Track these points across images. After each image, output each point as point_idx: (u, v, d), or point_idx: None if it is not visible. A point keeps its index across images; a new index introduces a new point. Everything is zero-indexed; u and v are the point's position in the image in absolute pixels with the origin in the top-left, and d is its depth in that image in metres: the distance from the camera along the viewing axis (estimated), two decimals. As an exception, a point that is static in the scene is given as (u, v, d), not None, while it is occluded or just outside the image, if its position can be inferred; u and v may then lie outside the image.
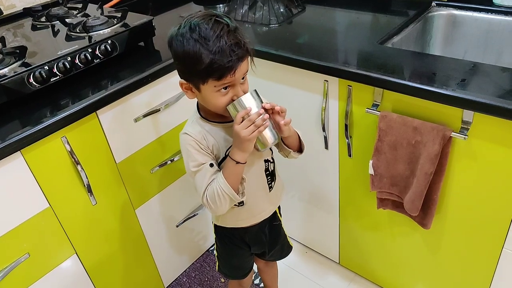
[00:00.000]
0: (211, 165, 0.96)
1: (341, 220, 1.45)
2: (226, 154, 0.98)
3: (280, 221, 1.23)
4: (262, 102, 0.90)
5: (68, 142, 1.08)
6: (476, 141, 0.97)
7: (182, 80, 0.92)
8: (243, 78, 0.90)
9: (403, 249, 1.31)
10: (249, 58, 0.90)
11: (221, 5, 1.77)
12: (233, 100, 0.89)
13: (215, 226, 1.17)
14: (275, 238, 1.22)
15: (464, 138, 0.95)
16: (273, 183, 1.10)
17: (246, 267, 1.26)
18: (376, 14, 1.43)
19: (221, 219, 1.11)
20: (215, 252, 1.25)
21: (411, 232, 1.24)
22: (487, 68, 1.00)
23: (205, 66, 0.83)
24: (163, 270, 1.54)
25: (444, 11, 1.39)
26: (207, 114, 0.98)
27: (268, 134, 0.91)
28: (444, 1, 1.40)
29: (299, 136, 1.05)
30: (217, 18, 0.85)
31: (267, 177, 1.08)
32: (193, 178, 0.97)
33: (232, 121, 0.91)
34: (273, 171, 1.10)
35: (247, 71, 0.90)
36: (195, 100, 0.99)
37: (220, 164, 0.99)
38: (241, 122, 0.87)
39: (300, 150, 1.07)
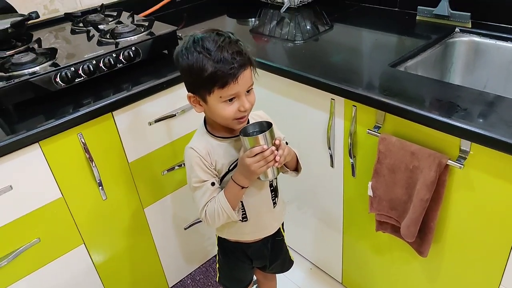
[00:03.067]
0: (213, 184, 0.99)
1: (345, 240, 1.44)
2: (229, 169, 1.01)
3: (283, 236, 1.24)
4: (274, 138, 0.93)
5: (83, 139, 1.17)
6: (473, 172, 0.95)
7: (190, 94, 0.96)
8: (248, 91, 0.94)
9: (402, 275, 1.29)
10: (252, 69, 0.93)
11: (252, 19, 1.83)
12: (240, 111, 0.92)
13: (219, 238, 1.20)
14: (277, 253, 1.24)
15: (460, 167, 0.93)
16: (276, 198, 1.12)
17: (247, 279, 1.29)
18: (398, 35, 1.43)
19: (226, 232, 1.13)
20: (216, 263, 1.28)
21: (409, 259, 1.22)
22: (495, 100, 0.98)
23: (209, 75, 0.87)
24: (168, 270, 1.59)
25: (466, 38, 1.37)
26: (213, 128, 1.01)
27: (272, 169, 0.95)
28: (468, 28, 1.38)
29: (297, 158, 1.08)
30: (218, 32, 0.91)
31: (271, 192, 1.10)
32: (193, 192, 1.01)
33: (237, 135, 0.95)
34: (276, 186, 1.12)
35: (252, 83, 0.94)
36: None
37: (222, 178, 1.02)
38: (253, 157, 0.91)
39: (296, 169, 1.09)
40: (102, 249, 1.34)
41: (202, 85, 0.90)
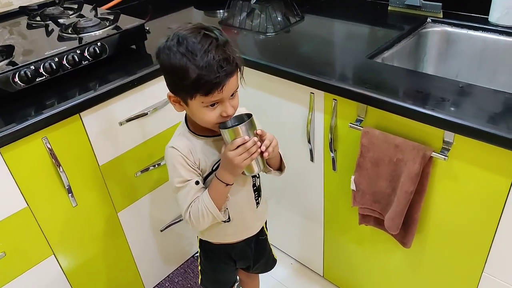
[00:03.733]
0: (197, 182, 0.94)
1: (326, 234, 1.43)
2: (213, 169, 0.97)
3: (266, 235, 1.22)
4: (256, 129, 0.89)
5: (49, 143, 1.08)
6: (457, 163, 0.95)
7: (170, 93, 0.90)
8: (232, 95, 0.88)
9: (385, 266, 1.29)
10: (239, 73, 0.88)
11: (221, 11, 1.78)
12: (222, 116, 0.87)
13: (200, 240, 1.15)
14: (261, 253, 1.21)
15: (444, 158, 0.93)
16: (259, 198, 1.09)
17: (230, 281, 1.25)
18: (371, 26, 1.42)
19: (207, 234, 1.09)
20: (198, 266, 1.23)
21: (393, 250, 1.22)
22: (474, 90, 0.98)
23: (192, 81, 0.81)
24: (145, 274, 1.53)
25: (439, 28, 1.38)
26: (195, 127, 0.96)
27: (257, 162, 0.92)
28: (439, 18, 1.39)
29: (281, 157, 1.04)
30: (206, 32, 0.83)
31: (254, 192, 1.07)
32: (176, 193, 0.96)
33: (220, 134, 0.90)
34: (259, 186, 1.09)
35: (237, 88, 0.89)
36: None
37: (206, 178, 0.98)
38: (235, 149, 0.87)
39: (280, 169, 1.06)
40: (73, 258, 1.26)
41: (183, 89, 0.85)
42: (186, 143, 0.94)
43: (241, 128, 0.86)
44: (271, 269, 1.29)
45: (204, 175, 0.97)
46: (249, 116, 0.90)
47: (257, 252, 1.18)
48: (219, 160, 0.95)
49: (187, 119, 0.97)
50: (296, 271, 1.64)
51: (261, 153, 0.90)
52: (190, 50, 0.81)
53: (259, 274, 1.42)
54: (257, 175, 1.06)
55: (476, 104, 0.93)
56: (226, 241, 1.10)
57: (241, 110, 1.01)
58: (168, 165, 0.96)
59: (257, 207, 1.08)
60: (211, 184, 0.94)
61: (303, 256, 1.63)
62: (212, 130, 0.93)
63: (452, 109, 0.91)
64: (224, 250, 1.13)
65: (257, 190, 1.07)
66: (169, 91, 0.90)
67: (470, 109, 0.91)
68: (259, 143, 0.89)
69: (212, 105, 0.86)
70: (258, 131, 0.89)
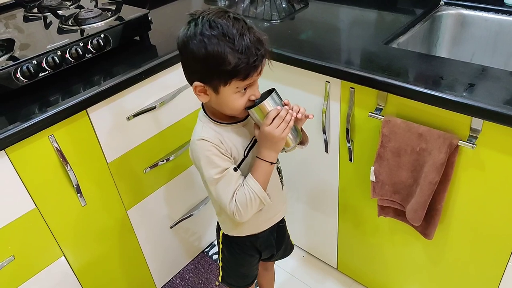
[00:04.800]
0: (235, 169, 0.91)
1: (340, 225, 1.40)
2: (245, 155, 0.94)
3: (285, 221, 1.19)
4: (282, 100, 0.89)
5: (56, 141, 1.03)
6: (484, 151, 0.92)
7: (198, 83, 0.84)
8: None
9: (403, 258, 1.27)
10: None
11: (221, -1, 1.72)
12: (251, 100, 0.86)
13: (224, 237, 1.11)
14: (281, 240, 1.19)
15: (473, 147, 0.90)
16: (282, 180, 1.07)
17: (253, 274, 1.21)
18: (382, 11, 1.37)
19: (239, 228, 1.05)
20: (219, 262, 1.20)
21: (412, 241, 1.20)
22: (497, 73, 0.95)
23: (232, 67, 0.78)
24: (155, 272, 1.50)
25: (453, 11, 1.33)
26: (216, 116, 0.92)
27: (294, 132, 0.91)
28: (453, 0, 1.34)
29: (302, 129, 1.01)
30: (233, 15, 0.80)
31: (278, 174, 1.05)
32: (214, 185, 0.90)
33: (243, 120, 0.91)
34: (280, 167, 1.06)
35: None
36: (193, 98, 0.93)
37: (239, 166, 0.94)
38: (271, 123, 0.85)
39: (302, 142, 1.02)
40: (84, 259, 1.22)
41: (219, 76, 0.81)
42: (213, 133, 0.90)
43: (270, 102, 0.85)
44: (289, 255, 1.27)
45: (237, 163, 0.94)
46: (271, 90, 0.88)
47: (278, 240, 1.16)
48: (249, 144, 0.94)
49: (205, 111, 0.93)
50: (309, 264, 1.62)
51: (295, 121, 0.89)
52: (226, 34, 0.77)
53: (274, 267, 1.40)
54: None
55: (503, 88, 0.89)
56: (256, 231, 1.07)
57: None
58: (201, 159, 0.90)
59: (282, 188, 1.07)
60: (254, 167, 0.91)
61: (316, 249, 1.60)
62: (233, 117, 0.91)
63: (479, 94, 0.88)
64: (249, 242, 1.09)
65: (280, 172, 1.05)
66: (196, 81, 0.84)
67: (498, 94, 0.87)
68: (291, 111, 0.87)
69: (244, 89, 0.84)
70: (285, 101, 0.89)
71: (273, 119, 0.85)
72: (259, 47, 0.80)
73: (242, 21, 0.80)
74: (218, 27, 0.78)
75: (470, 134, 0.92)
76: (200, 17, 0.80)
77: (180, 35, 0.83)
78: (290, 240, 1.26)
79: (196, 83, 0.84)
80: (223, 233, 1.11)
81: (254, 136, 0.93)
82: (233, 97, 0.84)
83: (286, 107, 0.87)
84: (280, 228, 1.16)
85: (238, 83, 0.81)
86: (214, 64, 0.79)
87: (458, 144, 0.92)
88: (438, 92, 0.90)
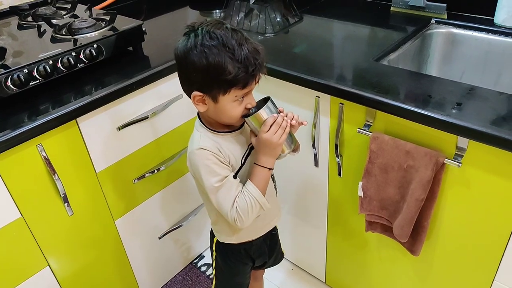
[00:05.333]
0: (234, 177, 0.93)
1: (329, 239, 1.40)
2: (242, 162, 0.96)
3: (277, 229, 1.20)
4: (277, 107, 0.92)
5: (44, 150, 1.03)
6: (470, 169, 0.93)
7: (197, 93, 0.86)
8: None
9: (391, 274, 1.26)
10: None
11: (217, 11, 1.74)
12: (247, 108, 0.89)
13: (218, 245, 1.12)
14: (273, 247, 1.20)
15: (458, 165, 0.91)
16: (276, 186, 1.09)
17: (246, 283, 1.22)
18: (375, 27, 1.39)
19: (238, 235, 1.06)
20: (212, 271, 1.20)
21: (399, 257, 1.20)
22: (484, 93, 0.96)
23: (232, 76, 0.81)
24: (142, 283, 1.48)
25: (444, 29, 1.35)
26: (212, 125, 0.94)
27: (289, 139, 0.94)
28: (443, 19, 1.36)
29: None
30: (231, 27, 0.84)
31: (272, 180, 1.06)
32: (215, 194, 0.91)
33: (238, 128, 0.95)
34: (273, 174, 1.07)
35: None
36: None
37: (236, 174, 0.96)
38: (270, 129, 0.88)
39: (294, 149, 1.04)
40: (69, 269, 1.21)
41: (219, 85, 0.83)
42: (211, 142, 0.92)
43: (266, 110, 0.89)
44: (279, 263, 1.27)
45: (235, 170, 0.95)
46: (266, 99, 0.91)
47: (270, 247, 1.17)
48: (246, 152, 0.96)
49: (201, 120, 0.95)
50: (297, 276, 1.61)
51: (290, 128, 0.93)
52: (226, 44, 0.81)
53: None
54: None
55: (489, 108, 0.90)
56: (254, 237, 1.08)
57: None
58: (200, 168, 0.91)
59: (276, 195, 1.09)
60: (253, 174, 0.93)
61: (304, 261, 1.60)
62: (229, 126, 0.93)
63: (465, 113, 0.88)
64: (244, 249, 1.10)
65: (273, 178, 1.07)
66: (195, 91, 0.86)
67: (483, 114, 0.88)
68: (286, 117, 0.91)
69: (242, 98, 0.87)
70: (280, 108, 0.92)
71: (271, 126, 0.88)
72: (257, 57, 0.83)
73: (239, 32, 0.84)
74: (218, 37, 0.81)
75: (456, 152, 0.92)
76: (199, 29, 0.83)
77: (180, 46, 0.85)
78: (281, 249, 1.26)
79: (195, 92, 0.86)
80: (217, 241, 1.11)
81: (250, 144, 0.96)
82: (231, 105, 0.86)
83: (281, 114, 0.91)
84: (272, 236, 1.17)
85: (237, 92, 0.84)
86: (214, 74, 0.81)
87: (444, 162, 0.93)
88: (425, 110, 0.91)
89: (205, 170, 0.90)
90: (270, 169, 0.93)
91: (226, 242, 1.08)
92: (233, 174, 0.93)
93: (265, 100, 0.91)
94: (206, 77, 0.83)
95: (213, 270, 1.20)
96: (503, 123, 0.85)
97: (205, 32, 0.82)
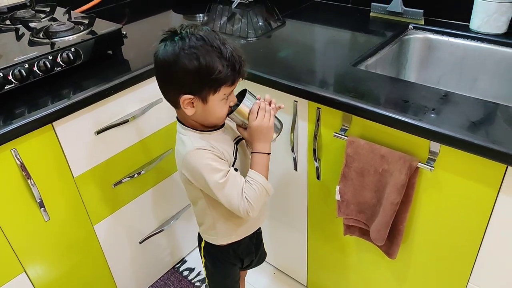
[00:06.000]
0: (236, 169, 0.95)
1: (310, 243, 1.41)
2: (235, 157, 0.98)
3: (261, 228, 1.21)
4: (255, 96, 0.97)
5: (18, 155, 1.02)
6: (442, 173, 0.94)
7: (187, 96, 0.86)
8: None
9: (370, 276, 1.28)
10: None
11: (200, 15, 1.74)
12: (230, 106, 0.92)
13: (208, 250, 1.11)
14: (259, 245, 1.20)
15: (431, 169, 0.92)
16: None
17: (237, 285, 1.22)
18: (354, 32, 1.41)
19: (237, 232, 1.07)
20: (205, 279, 1.20)
21: (378, 260, 1.21)
22: (457, 98, 0.98)
23: (223, 74, 0.84)
24: (123, 288, 1.47)
25: (421, 35, 1.37)
26: (196, 127, 0.95)
27: (276, 121, 0.99)
28: (421, 25, 1.38)
29: None
30: (209, 28, 0.87)
31: None
32: (222, 190, 0.91)
33: (221, 127, 0.97)
34: None
35: None
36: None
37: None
38: (257, 115, 0.93)
39: None
40: (47, 275, 1.20)
41: (210, 85, 0.85)
42: (204, 142, 0.92)
43: (248, 100, 0.94)
44: (262, 263, 1.27)
45: (230, 165, 0.96)
46: (243, 92, 0.95)
47: (256, 246, 1.18)
48: (234, 148, 0.99)
49: (185, 125, 0.95)
50: (279, 281, 1.61)
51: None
52: (212, 44, 0.83)
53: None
54: None
55: (461, 113, 0.92)
56: (250, 232, 1.10)
57: None
58: (201, 168, 0.90)
59: None
60: (253, 162, 0.96)
61: (286, 265, 1.60)
62: (212, 126, 0.96)
63: (438, 119, 0.90)
64: (232, 250, 1.10)
65: None
66: (184, 94, 0.86)
67: (455, 119, 0.90)
68: (266, 102, 0.96)
69: (227, 96, 0.90)
70: (258, 96, 0.97)
71: (257, 113, 0.92)
72: (240, 54, 0.87)
73: (218, 34, 0.87)
74: (203, 38, 0.83)
75: (429, 156, 0.94)
76: (183, 32, 0.84)
77: (167, 51, 0.84)
78: (264, 248, 1.26)
79: (185, 96, 0.86)
80: (205, 246, 1.11)
81: (235, 139, 1.00)
82: (218, 105, 0.89)
83: (262, 99, 0.96)
84: (258, 235, 1.18)
85: (226, 89, 0.87)
86: (206, 74, 0.83)
87: (418, 166, 0.94)
88: (399, 115, 0.92)
89: (207, 169, 0.90)
90: (268, 154, 0.96)
91: (224, 243, 1.08)
92: (234, 167, 0.95)
93: (242, 93, 0.95)
94: (197, 78, 0.84)
95: (205, 278, 1.20)
96: (474, 128, 0.86)
97: (190, 34, 0.84)
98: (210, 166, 0.90)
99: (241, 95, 0.95)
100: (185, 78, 0.85)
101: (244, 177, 0.94)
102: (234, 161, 0.98)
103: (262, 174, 0.95)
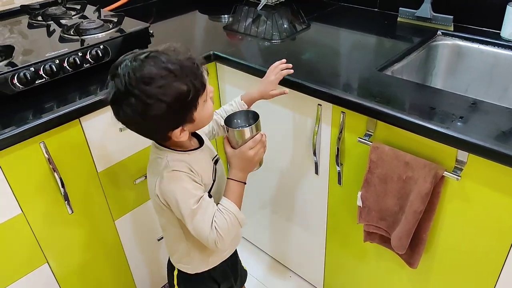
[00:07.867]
0: (209, 196, 0.89)
1: (328, 248, 1.39)
2: (214, 179, 0.94)
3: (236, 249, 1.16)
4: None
5: (46, 148, 1.04)
6: (469, 183, 0.92)
7: (176, 130, 0.83)
8: None
9: (389, 285, 1.25)
10: None
11: (225, 16, 1.75)
12: (211, 97, 0.88)
13: (181, 278, 1.06)
14: (235, 267, 1.15)
15: (457, 178, 0.90)
16: None
17: None
18: (380, 37, 1.39)
19: (212, 259, 1.02)
20: None
21: (397, 269, 1.19)
22: (487, 107, 0.95)
23: (193, 89, 0.79)
24: (140, 284, 1.49)
25: (449, 41, 1.35)
26: (176, 145, 0.90)
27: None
28: (450, 31, 1.36)
29: None
30: (150, 54, 0.80)
31: None
32: (192, 218, 0.85)
33: (201, 145, 0.93)
34: None
35: None
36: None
37: (210, 191, 0.93)
38: (256, 146, 0.91)
39: None
40: (67, 267, 1.22)
41: (188, 107, 0.81)
42: (182, 163, 0.87)
43: (257, 128, 0.91)
44: (245, 282, 1.23)
45: (208, 188, 0.93)
46: (253, 114, 0.95)
47: (233, 268, 1.13)
48: (213, 168, 0.95)
49: (163, 145, 0.90)
50: (295, 284, 1.60)
51: None
52: (161, 75, 0.76)
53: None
54: None
55: (491, 122, 0.89)
56: (224, 259, 1.06)
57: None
58: (177, 192, 0.85)
59: None
60: (228, 190, 0.91)
61: (303, 269, 1.59)
62: (188, 144, 0.91)
63: (466, 127, 0.88)
64: (208, 276, 1.05)
65: None
66: (172, 130, 0.83)
67: (484, 128, 0.87)
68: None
69: (206, 97, 0.86)
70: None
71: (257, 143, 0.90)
72: (190, 57, 0.80)
73: (157, 51, 0.79)
74: (151, 77, 0.76)
75: (456, 165, 0.92)
76: (144, 72, 0.77)
77: (127, 114, 0.79)
78: (242, 266, 1.21)
79: (174, 131, 0.83)
80: (177, 274, 1.06)
81: (213, 159, 0.96)
82: (205, 108, 0.85)
83: (262, 132, 0.93)
84: (231, 256, 1.10)
85: (203, 96, 0.83)
86: (179, 104, 0.79)
87: (444, 174, 0.92)
88: (426, 122, 0.90)
89: (181, 193, 0.85)
90: (245, 183, 0.92)
91: (199, 271, 1.03)
92: (207, 193, 0.89)
93: (249, 112, 0.92)
94: (174, 113, 0.79)
95: None
96: (503, 138, 0.84)
97: (150, 74, 0.76)
98: (185, 189, 0.85)
99: (252, 117, 0.93)
100: (163, 122, 0.81)
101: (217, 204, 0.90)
102: (213, 184, 0.93)
103: (235, 203, 0.89)
